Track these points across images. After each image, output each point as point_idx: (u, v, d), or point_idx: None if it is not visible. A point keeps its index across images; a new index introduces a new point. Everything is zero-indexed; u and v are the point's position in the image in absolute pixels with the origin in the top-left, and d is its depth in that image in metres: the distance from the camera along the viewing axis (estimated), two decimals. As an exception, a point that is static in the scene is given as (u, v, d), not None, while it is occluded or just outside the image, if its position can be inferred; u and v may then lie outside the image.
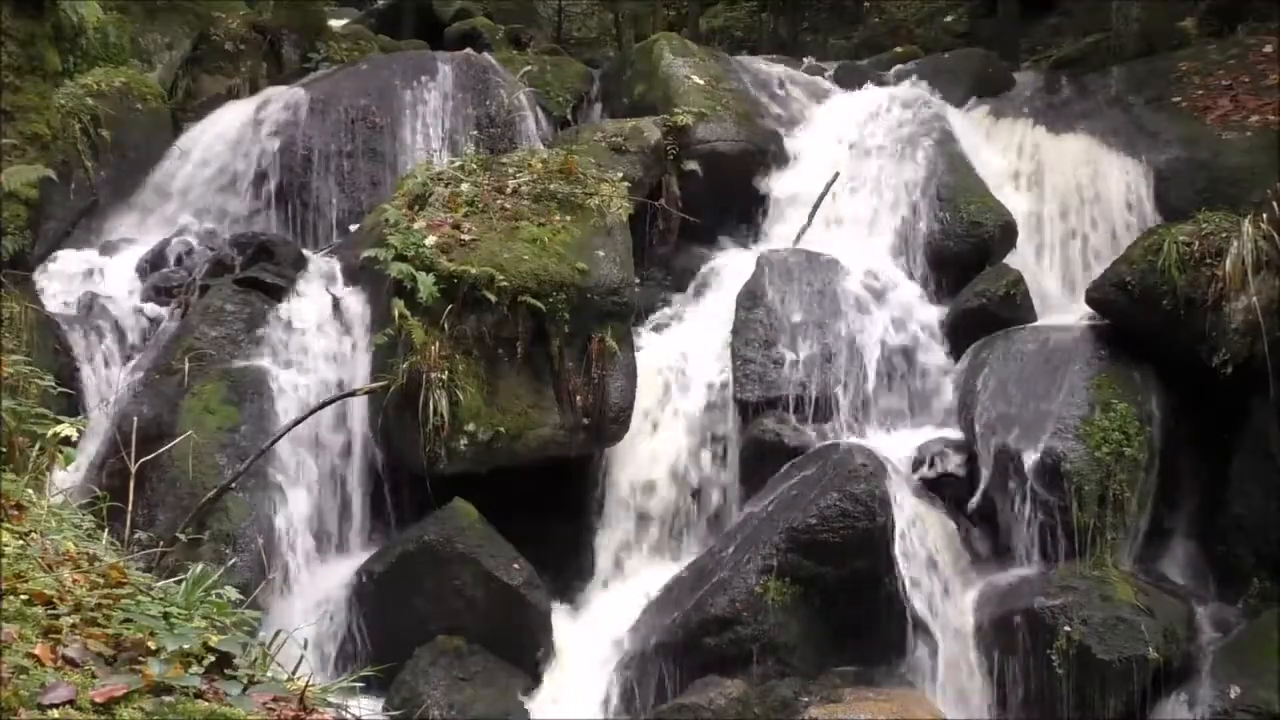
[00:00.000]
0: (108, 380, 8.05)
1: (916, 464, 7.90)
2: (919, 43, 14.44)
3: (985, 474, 7.77)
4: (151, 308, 8.54)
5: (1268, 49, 10.03)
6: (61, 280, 8.66)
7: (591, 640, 7.66)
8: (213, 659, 2.58)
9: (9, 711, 2.15)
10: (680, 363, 8.74)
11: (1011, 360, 8.21)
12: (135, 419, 6.78)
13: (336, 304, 8.29)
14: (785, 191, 10.05)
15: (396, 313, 7.48)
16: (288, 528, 7.41)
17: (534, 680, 7.38)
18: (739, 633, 7.17)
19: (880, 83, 11.39)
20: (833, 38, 16.61)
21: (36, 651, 2.40)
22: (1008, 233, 9.34)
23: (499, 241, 7.91)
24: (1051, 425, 7.63)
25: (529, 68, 11.09)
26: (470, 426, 7.52)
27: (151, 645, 2.55)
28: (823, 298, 8.84)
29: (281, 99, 10.36)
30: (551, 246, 7.98)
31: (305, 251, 9.00)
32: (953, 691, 7.25)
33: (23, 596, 2.68)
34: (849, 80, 11.55)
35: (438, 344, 7.47)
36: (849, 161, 10.05)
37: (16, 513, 3.44)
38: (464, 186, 8.34)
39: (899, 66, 12.03)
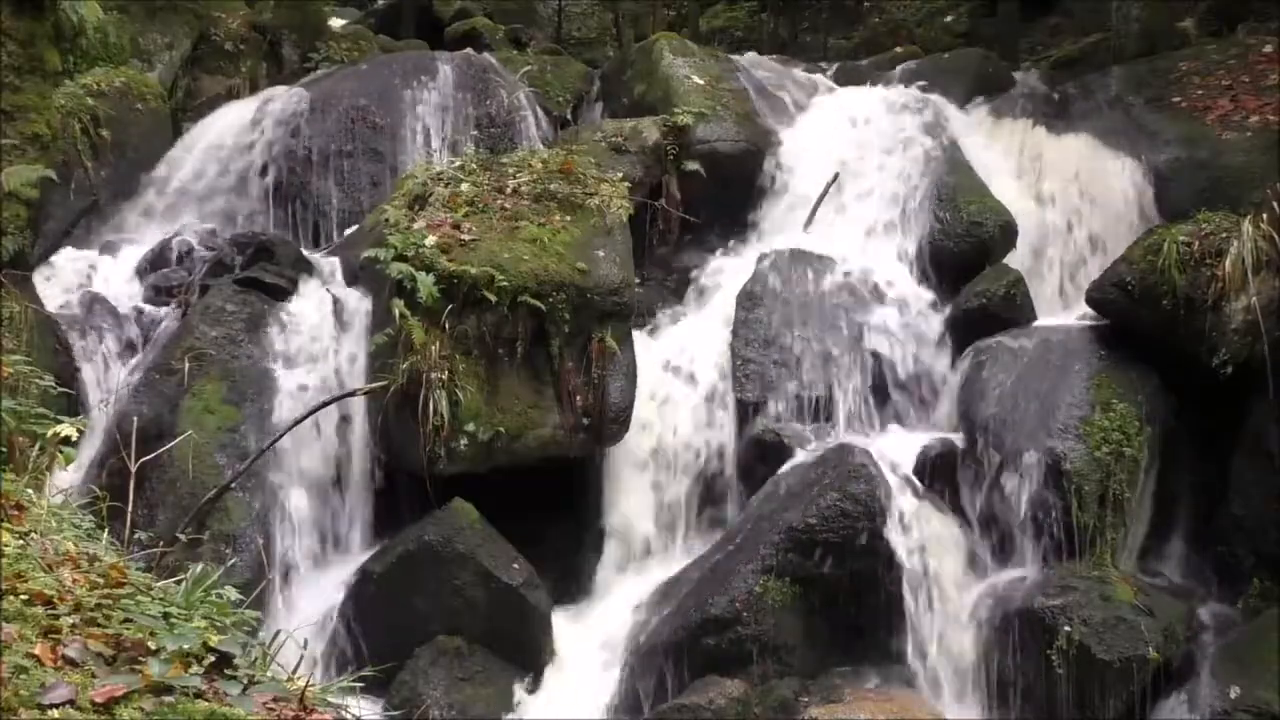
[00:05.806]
0: (108, 380, 8.05)
1: (916, 464, 7.89)
2: (919, 43, 14.42)
3: (985, 474, 7.78)
4: (151, 308, 8.54)
5: (1268, 49, 10.03)
6: (61, 280, 8.66)
7: (591, 640, 7.66)
8: (213, 659, 2.58)
9: (9, 711, 2.15)
10: (680, 363, 8.74)
11: (1011, 360, 8.22)
12: (135, 419, 6.78)
13: (336, 304, 8.29)
14: (785, 192, 10.05)
15: (396, 313, 7.48)
16: (288, 528, 7.42)
17: (534, 680, 7.38)
18: (739, 633, 7.17)
19: (880, 83, 11.39)
20: (833, 38, 16.60)
21: (36, 651, 2.40)
22: (1007, 233, 9.34)
23: (499, 241, 7.91)
24: (1051, 425, 7.64)
25: (529, 68, 11.10)
26: (470, 426, 7.51)
27: (151, 645, 2.55)
28: (823, 298, 8.86)
29: (281, 99, 10.36)
30: (551, 246, 7.98)
31: (305, 251, 8.99)
32: (953, 691, 7.26)
33: (23, 596, 2.67)
34: (849, 80, 11.54)
35: (438, 344, 7.46)
36: (849, 162, 10.05)
37: (16, 513, 3.44)
38: (464, 186, 8.34)
39: (899, 66, 12.02)
